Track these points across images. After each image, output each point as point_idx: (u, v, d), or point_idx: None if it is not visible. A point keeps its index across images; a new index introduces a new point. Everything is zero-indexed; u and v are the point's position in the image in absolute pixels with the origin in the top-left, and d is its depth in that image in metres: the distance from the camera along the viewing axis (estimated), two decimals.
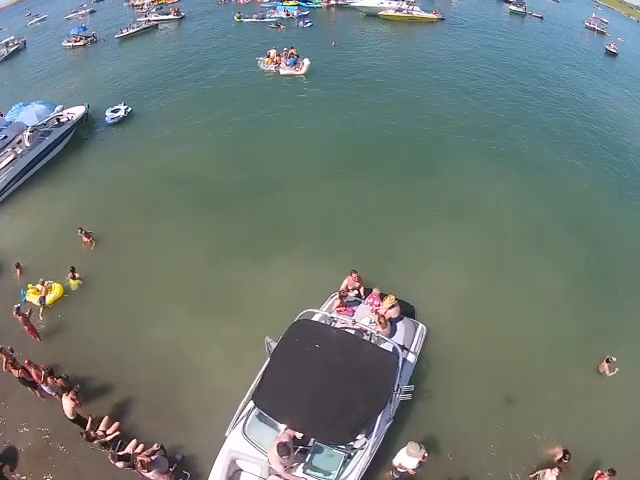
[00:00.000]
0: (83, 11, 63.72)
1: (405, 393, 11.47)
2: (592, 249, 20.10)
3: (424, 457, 10.67)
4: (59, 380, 12.99)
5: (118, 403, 13.46)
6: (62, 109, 29.21)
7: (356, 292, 15.14)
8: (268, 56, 36.83)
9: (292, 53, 36.56)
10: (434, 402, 13.43)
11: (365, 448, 10.73)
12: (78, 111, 28.59)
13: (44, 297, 16.51)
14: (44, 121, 27.04)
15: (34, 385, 13.12)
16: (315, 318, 13.42)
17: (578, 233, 20.88)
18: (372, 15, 53.92)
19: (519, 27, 60.70)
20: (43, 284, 16.78)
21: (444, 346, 14.85)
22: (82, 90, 35.40)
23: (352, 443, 10.71)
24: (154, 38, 49.59)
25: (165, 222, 20.30)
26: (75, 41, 47.71)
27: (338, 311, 14.06)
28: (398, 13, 53.40)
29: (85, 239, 19.09)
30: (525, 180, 24.13)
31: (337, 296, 14.41)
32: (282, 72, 35.90)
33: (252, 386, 11.33)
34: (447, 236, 19.51)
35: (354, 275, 15.02)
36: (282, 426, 10.69)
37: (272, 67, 36.38)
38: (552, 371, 14.81)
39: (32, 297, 16.63)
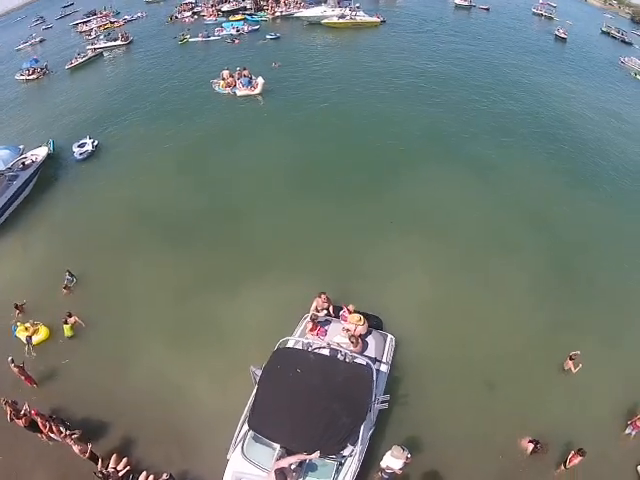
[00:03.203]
0: (33, 40, 63.18)
1: (382, 402, 12.82)
2: (550, 244, 21.42)
3: (407, 458, 12.04)
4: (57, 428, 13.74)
5: (121, 439, 14.25)
6: (23, 149, 29.29)
7: (325, 312, 16.25)
8: (223, 79, 37.27)
9: (245, 74, 37.00)
10: (411, 406, 14.70)
11: (353, 455, 12.02)
12: (41, 152, 28.85)
13: (30, 337, 17.35)
14: (9, 165, 27.08)
15: (40, 431, 13.85)
16: (292, 343, 14.54)
17: (536, 229, 22.21)
18: (315, 24, 54.95)
19: (465, 22, 61.41)
20: (32, 324, 17.70)
21: (414, 353, 16.08)
22: (42, 126, 35.36)
23: (341, 452, 11.93)
24: (105, 66, 49.55)
25: (138, 258, 20.78)
26: (28, 74, 47.33)
27: (312, 333, 15.15)
28: (341, 20, 54.54)
29: (65, 290, 19.66)
30: (479, 181, 25.28)
31: (309, 319, 15.52)
32: (239, 93, 36.40)
33: (245, 411, 12.56)
34: (407, 246, 20.51)
35: (322, 297, 16.18)
36: (277, 444, 11.88)
37: (228, 90, 36.81)
38: (520, 369, 16.03)
39: (21, 334, 17.49)
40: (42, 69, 48.22)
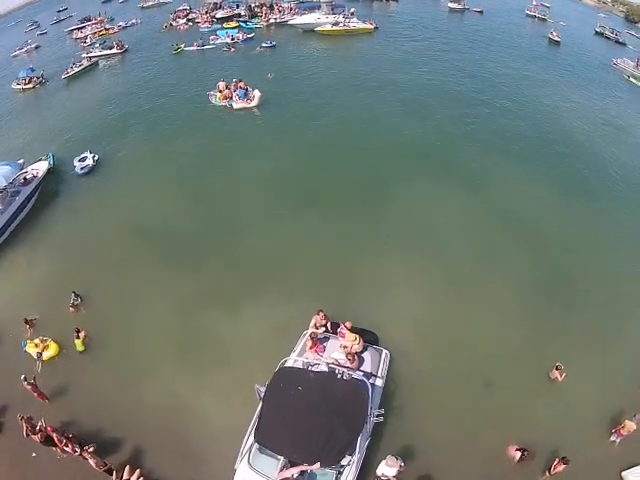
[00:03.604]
0: (28, 47, 63.21)
1: (377, 416, 13.95)
2: (541, 257, 22.09)
3: (401, 466, 13.14)
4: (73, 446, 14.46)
5: (132, 451, 15.04)
6: (24, 163, 29.39)
7: (324, 328, 17.16)
8: (219, 91, 37.47)
9: (241, 86, 37.25)
10: (404, 417, 15.54)
11: (351, 464, 13.06)
12: (42, 166, 28.95)
13: (41, 353, 18.00)
14: (11, 181, 27.19)
15: (55, 444, 14.55)
16: (292, 363, 15.44)
17: (528, 242, 22.83)
18: (309, 31, 55.30)
19: (458, 26, 61.41)
20: (42, 340, 18.29)
21: (407, 366, 16.90)
22: (41, 139, 35.31)
23: (340, 462, 12.90)
24: (101, 76, 49.48)
25: (141, 276, 21.38)
26: (25, 83, 47.48)
27: (312, 350, 16.03)
28: (335, 27, 55.02)
29: (72, 309, 20.07)
30: (470, 195, 25.81)
31: (309, 336, 16.45)
32: (235, 106, 36.73)
33: (251, 425, 13.67)
34: (402, 261, 21.22)
35: (321, 314, 17.11)
36: (281, 456, 12.91)
37: (225, 102, 37.00)
38: (509, 379, 16.89)
39: (31, 350, 18.14)
40: (38, 78, 48.40)
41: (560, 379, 16.59)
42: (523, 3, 72.73)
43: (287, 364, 15.14)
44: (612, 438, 15.48)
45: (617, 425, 15.46)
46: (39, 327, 19.26)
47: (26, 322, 19.29)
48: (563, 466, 13.85)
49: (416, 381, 16.57)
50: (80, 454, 14.12)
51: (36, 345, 18.23)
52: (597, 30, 67.41)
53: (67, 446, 14.30)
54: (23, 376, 16.17)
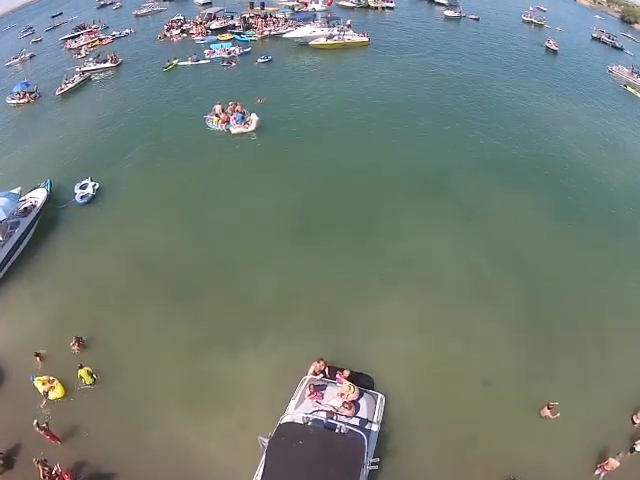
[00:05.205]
0: (23, 56, 62.47)
1: (372, 464, 14.79)
2: (533, 291, 22.77)
3: None
4: None
5: None
6: (21, 192, 28.49)
7: (322, 375, 18.02)
8: (216, 114, 37.24)
9: (238, 110, 37.19)
10: (398, 459, 16.33)
11: None
12: (40, 195, 28.60)
13: (47, 392, 18.42)
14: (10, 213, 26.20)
15: None
16: (292, 418, 16.12)
17: (517, 274, 23.50)
18: (304, 44, 55.43)
19: (454, 36, 61.64)
20: (49, 380, 18.69)
21: (401, 407, 17.68)
22: (37, 161, 34.74)
23: None
24: (95, 93, 48.35)
25: (142, 313, 21.51)
26: (19, 98, 46.92)
27: (310, 397, 16.89)
28: (329, 41, 55.27)
29: (75, 347, 20.23)
30: (465, 230, 26.18)
31: (307, 385, 17.30)
32: (233, 131, 36.50)
33: (255, 475, 14.77)
34: (397, 301, 21.79)
35: (321, 362, 17.98)
36: None
37: (222, 127, 36.65)
38: (501, 416, 17.78)
39: (39, 386, 18.55)
40: (32, 93, 47.81)
41: (552, 417, 17.46)
42: (519, 8, 73.22)
43: (287, 419, 15.95)
44: (597, 472, 16.37)
45: (602, 461, 16.36)
46: (47, 362, 19.71)
47: (36, 355, 19.71)
48: None
49: (409, 422, 17.36)
50: None
51: (43, 383, 18.60)
52: (594, 35, 68.56)
53: None
54: (35, 421, 16.63)
